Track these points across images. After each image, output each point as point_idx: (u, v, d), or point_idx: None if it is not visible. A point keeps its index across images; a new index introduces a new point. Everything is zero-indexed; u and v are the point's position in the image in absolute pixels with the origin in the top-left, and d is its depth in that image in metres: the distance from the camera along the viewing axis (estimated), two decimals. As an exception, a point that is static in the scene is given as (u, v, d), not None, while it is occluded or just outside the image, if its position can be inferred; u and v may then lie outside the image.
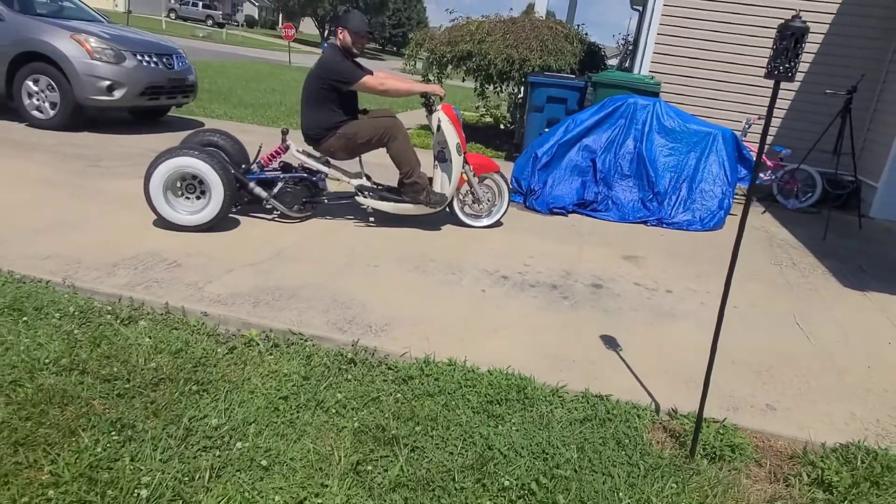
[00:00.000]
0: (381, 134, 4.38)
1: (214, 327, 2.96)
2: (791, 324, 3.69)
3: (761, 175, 6.94)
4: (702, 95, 7.52)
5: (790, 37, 1.90)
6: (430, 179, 4.63)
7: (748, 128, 6.99)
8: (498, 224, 4.95)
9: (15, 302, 2.90)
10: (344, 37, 4.37)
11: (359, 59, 4.58)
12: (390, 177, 4.74)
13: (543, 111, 7.38)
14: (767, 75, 1.98)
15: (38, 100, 6.71)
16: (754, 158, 6.00)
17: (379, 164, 5.22)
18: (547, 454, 2.27)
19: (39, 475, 1.93)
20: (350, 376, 2.65)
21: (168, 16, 47.14)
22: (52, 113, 6.72)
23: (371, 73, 4.38)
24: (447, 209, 4.76)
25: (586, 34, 9.38)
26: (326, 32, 54.47)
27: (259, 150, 4.59)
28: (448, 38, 8.79)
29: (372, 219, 4.76)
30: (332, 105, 4.32)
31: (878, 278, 4.74)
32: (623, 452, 2.33)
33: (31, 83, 6.67)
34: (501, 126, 11.27)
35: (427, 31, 9.45)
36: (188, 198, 4.08)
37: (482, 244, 4.52)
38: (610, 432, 2.44)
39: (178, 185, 4.04)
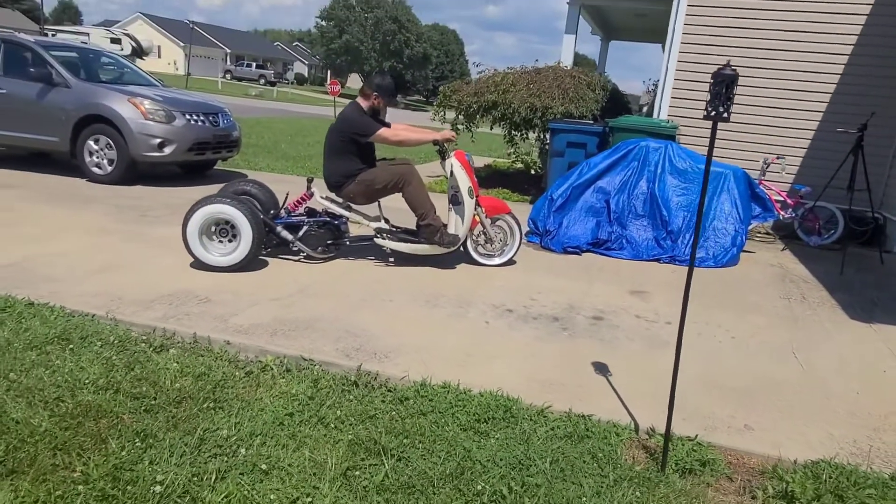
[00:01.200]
0: (396, 180, 4.74)
1: (235, 354, 3.28)
2: (787, 353, 3.79)
3: (782, 213, 7.00)
4: (719, 137, 7.68)
5: (721, 83, 2.15)
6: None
7: (766, 167, 7.10)
8: (510, 262, 5.20)
9: (64, 332, 3.29)
10: (377, 102, 4.79)
11: (392, 108, 5.10)
12: (407, 220, 5.08)
13: (564, 156, 7.67)
14: (706, 117, 2.22)
15: (97, 157, 7.39)
16: (769, 197, 6.13)
17: (397, 209, 5.56)
18: (522, 465, 2.46)
19: (72, 474, 2.24)
20: (352, 397, 2.91)
21: (224, 77, 50.01)
22: (109, 169, 7.38)
23: (388, 125, 4.77)
24: (461, 249, 5.04)
25: (609, 80, 9.70)
26: (372, 87, 56.55)
27: (286, 197, 5.00)
28: (474, 89, 9.24)
29: (391, 259, 5.07)
30: (352, 155, 4.71)
31: (888, 310, 4.76)
32: (596, 465, 2.51)
33: (92, 142, 7.36)
34: (532, 172, 11.59)
35: (454, 84, 9.94)
36: (221, 241, 4.49)
37: (493, 281, 4.77)
38: (587, 447, 2.62)
39: (213, 229, 4.46)
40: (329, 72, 59.82)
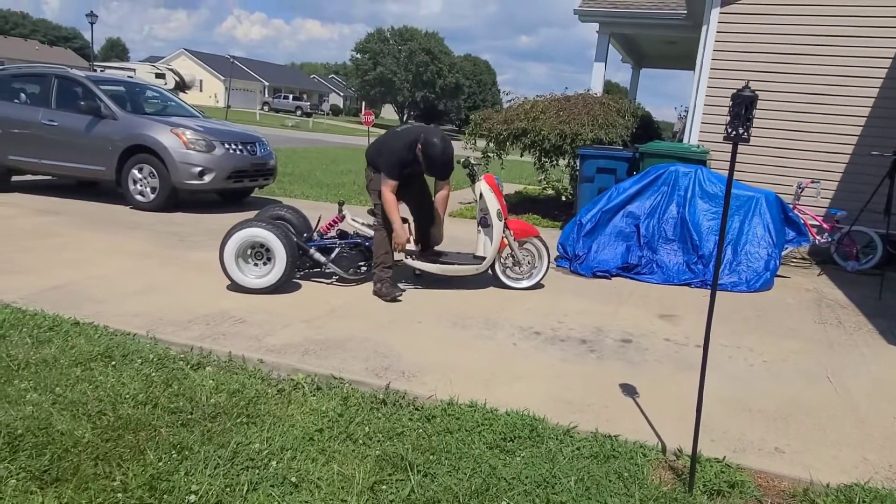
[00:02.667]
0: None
1: (268, 372, 3.38)
2: (821, 378, 3.72)
3: (817, 237, 6.89)
4: (752, 161, 7.62)
5: (740, 104, 2.19)
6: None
7: (801, 191, 7.01)
8: (538, 286, 5.22)
9: (107, 350, 3.44)
10: (420, 157, 4.56)
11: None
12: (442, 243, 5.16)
13: (594, 181, 7.69)
14: (726, 139, 2.25)
15: (141, 185, 7.69)
16: (803, 221, 6.06)
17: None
18: (548, 483, 2.48)
19: (112, 483, 2.34)
20: (380, 414, 2.97)
21: (262, 108, 51.44)
22: (152, 196, 7.67)
23: (395, 182, 4.59)
24: (489, 272, 5.10)
25: (640, 106, 9.74)
26: (405, 116, 57.58)
27: (318, 220, 5.14)
28: (504, 117, 9.37)
29: (420, 280, 5.15)
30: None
31: (931, 336, 4.64)
32: (622, 485, 2.50)
33: (136, 171, 7.67)
34: (563, 198, 11.62)
35: (486, 112, 10.09)
36: (256, 264, 4.63)
37: (520, 303, 4.80)
38: (613, 467, 2.62)
39: (248, 252, 4.61)
40: (363, 103, 61.08)
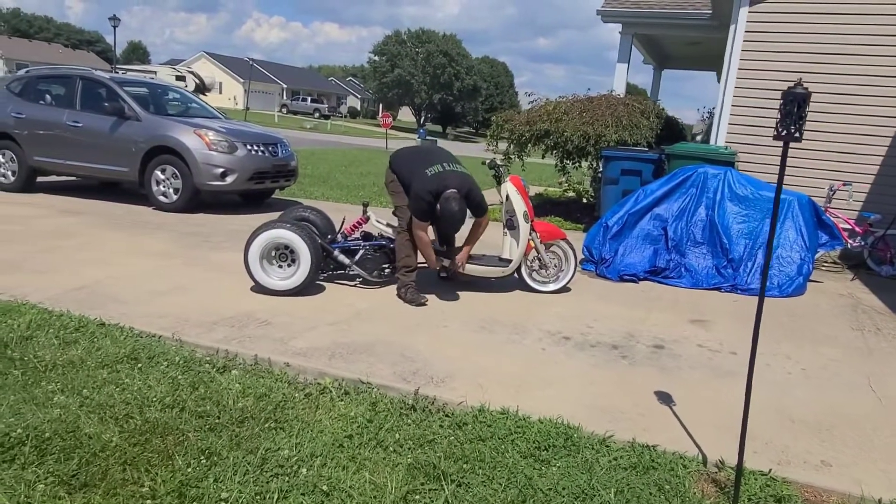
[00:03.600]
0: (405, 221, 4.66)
1: (295, 376, 3.33)
2: (863, 386, 3.59)
3: (850, 241, 6.72)
4: (773, 163, 7.45)
5: (792, 102, 2.09)
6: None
7: (832, 194, 6.85)
8: (565, 289, 5.13)
9: (133, 352, 3.40)
10: (438, 209, 4.44)
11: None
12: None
13: (618, 183, 7.58)
14: (776, 137, 2.16)
15: (164, 186, 7.70)
16: (836, 224, 5.91)
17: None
18: (586, 494, 2.39)
19: (140, 489, 2.29)
20: (410, 421, 2.90)
21: (280, 111, 51.79)
22: (174, 197, 7.68)
23: (423, 223, 4.52)
24: (515, 274, 5.01)
25: (663, 108, 9.60)
26: (422, 119, 57.64)
27: (343, 222, 5.09)
28: (526, 118, 9.28)
29: (445, 282, 5.07)
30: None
31: (974, 344, 4.47)
32: (663, 497, 2.41)
33: (159, 172, 7.69)
34: (584, 200, 11.50)
35: (507, 114, 10.01)
36: (280, 266, 4.59)
37: (548, 307, 4.71)
38: (653, 479, 2.52)
39: (273, 254, 4.57)
40: (380, 105, 61.23)
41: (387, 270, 4.96)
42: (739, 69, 7.58)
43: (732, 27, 7.63)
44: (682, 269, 5.77)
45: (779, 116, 2.14)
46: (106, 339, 3.54)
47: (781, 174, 2.23)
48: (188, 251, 5.71)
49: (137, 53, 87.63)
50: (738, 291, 5.52)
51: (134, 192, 8.31)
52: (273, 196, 9.25)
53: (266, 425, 2.77)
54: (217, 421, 2.78)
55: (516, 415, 2.94)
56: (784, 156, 2.18)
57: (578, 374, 3.50)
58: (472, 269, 4.88)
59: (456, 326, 4.17)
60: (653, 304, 5.05)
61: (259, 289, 4.55)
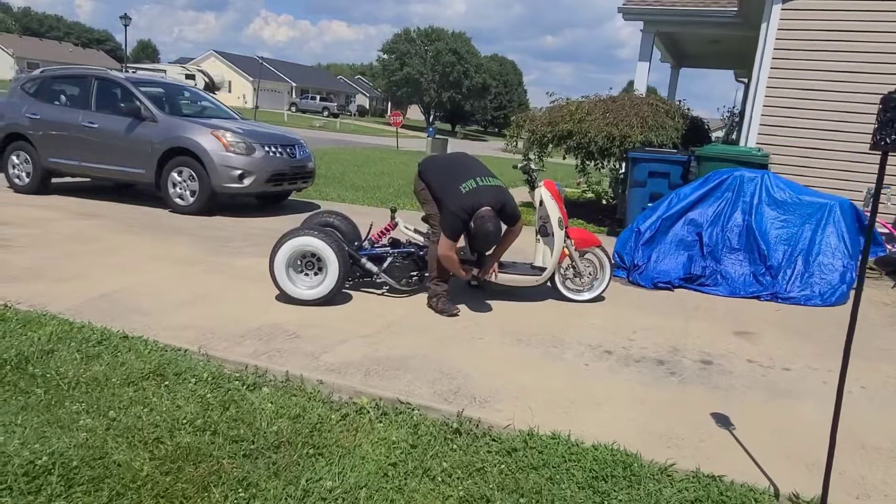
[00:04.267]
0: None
1: (329, 395, 3.15)
2: (930, 407, 3.39)
3: (888, 246, 6.49)
4: (816, 166, 7.25)
5: (893, 108, 1.90)
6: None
7: (870, 197, 6.61)
8: (600, 298, 4.94)
9: (159, 367, 3.24)
10: (472, 227, 4.25)
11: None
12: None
13: (646, 186, 7.37)
14: (874, 147, 1.97)
15: (180, 188, 7.55)
16: (879, 229, 5.68)
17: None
18: (655, 534, 2.21)
19: (177, 525, 2.13)
20: (455, 446, 2.72)
21: (289, 109, 51.71)
22: (191, 200, 7.52)
23: (454, 243, 4.30)
24: (548, 283, 4.82)
25: (688, 109, 9.37)
26: (431, 117, 57.44)
27: (370, 228, 4.92)
28: (548, 118, 9.07)
29: (476, 292, 4.89)
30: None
31: None
32: (739, 537, 2.22)
33: (175, 174, 7.54)
34: (603, 202, 11.29)
35: (528, 113, 9.81)
36: (307, 274, 4.42)
37: (584, 318, 4.52)
38: (724, 515, 2.34)
39: (299, 262, 4.40)
40: (389, 103, 61.07)
41: (415, 278, 4.78)
42: (772, 68, 7.36)
43: (764, 25, 7.41)
44: (718, 277, 5.56)
45: (876, 124, 1.94)
46: (130, 354, 3.39)
47: (878, 185, 2.04)
48: (209, 257, 5.55)
49: (147, 52, 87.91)
50: (779, 300, 5.31)
51: (149, 194, 8.18)
52: (289, 198, 9.09)
53: (304, 451, 2.60)
54: (252, 446, 2.61)
55: (568, 440, 2.76)
56: (882, 166, 1.99)
57: (627, 392, 3.31)
58: (504, 277, 4.70)
59: (491, 339, 3.98)
60: (691, 314, 4.85)
61: (285, 298, 4.38)
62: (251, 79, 53.20)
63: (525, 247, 5.24)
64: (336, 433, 2.78)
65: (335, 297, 4.40)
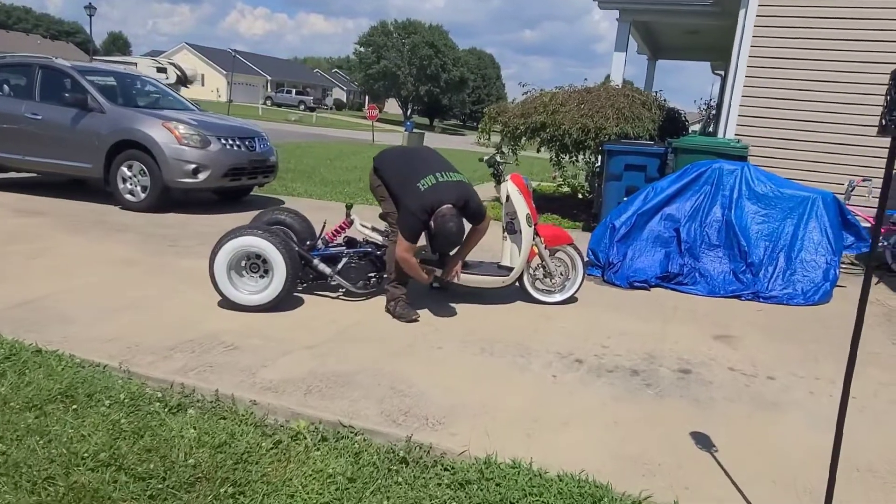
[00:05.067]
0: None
1: (263, 417, 2.79)
2: (926, 419, 3.11)
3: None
4: (796, 157, 7.01)
5: (907, 85, 1.58)
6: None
7: (851, 190, 6.40)
8: (572, 300, 4.62)
9: (69, 388, 2.84)
10: (432, 226, 3.89)
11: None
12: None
13: (622, 179, 7.08)
14: (882, 131, 1.65)
15: (131, 184, 7.09)
16: (861, 223, 5.43)
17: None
18: (627, 588, 1.88)
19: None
20: (400, 478, 2.37)
21: (265, 103, 50.80)
22: (142, 196, 7.07)
23: (412, 245, 3.97)
24: (517, 284, 4.49)
25: (665, 100, 9.10)
26: (409, 111, 56.90)
27: (323, 226, 4.55)
28: (521, 110, 8.74)
29: (439, 294, 4.54)
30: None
31: None
32: (723, 588, 1.90)
33: (125, 169, 7.07)
34: (579, 196, 11.00)
35: (500, 105, 9.47)
36: (252, 277, 4.03)
37: (555, 322, 4.20)
38: (706, 559, 2.02)
39: (243, 264, 4.02)
40: (366, 97, 60.37)
41: (373, 280, 4.42)
42: (750, 57, 7.10)
43: (742, 12, 7.14)
44: (697, 275, 5.28)
45: (885, 105, 1.63)
46: (39, 372, 2.98)
47: (889, 174, 1.72)
48: (153, 257, 5.13)
49: (118, 44, 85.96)
50: (760, 299, 5.04)
51: (101, 190, 7.69)
52: (252, 193, 8.65)
53: (222, 490, 2.23)
54: (161, 485, 2.23)
55: (530, 469, 2.42)
56: (893, 154, 1.67)
57: (598, 409, 2.99)
58: (468, 278, 4.35)
59: (452, 347, 3.64)
60: (669, 315, 4.55)
61: (227, 304, 3.99)
62: (225, 72, 52.17)
63: (492, 245, 4.90)
64: (264, 465, 2.41)
65: (283, 302, 4.02)
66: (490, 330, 3.96)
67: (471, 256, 4.66)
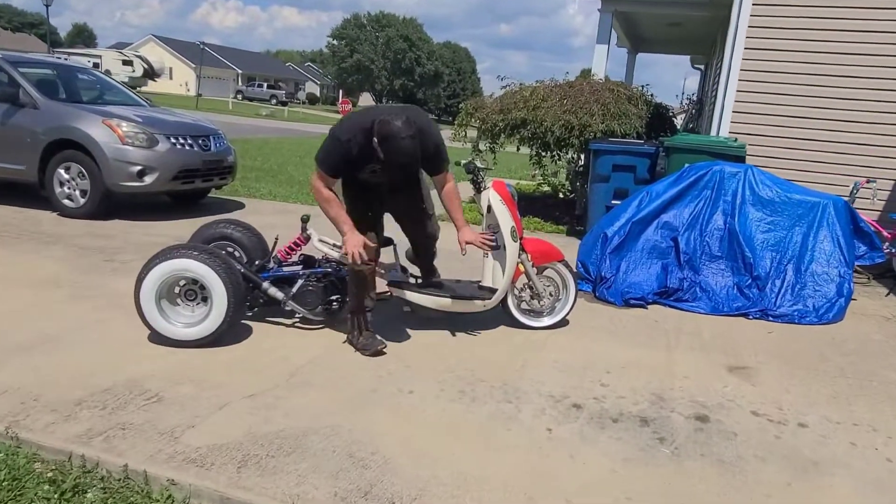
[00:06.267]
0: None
1: (184, 500, 2.17)
2: None
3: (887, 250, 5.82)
4: (796, 157, 6.55)
5: None
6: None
7: (856, 192, 5.94)
8: (563, 323, 4.06)
9: (-69, 467, 2.20)
10: (379, 152, 3.06)
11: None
12: (440, 268, 3.97)
13: (609, 181, 6.55)
14: None
15: (69, 188, 6.37)
16: (872, 229, 4.96)
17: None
18: None
19: None
20: None
21: (235, 97, 49.54)
22: (82, 201, 6.35)
23: (326, 176, 3.23)
24: (500, 306, 3.92)
25: (652, 95, 8.60)
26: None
27: (275, 243, 3.92)
28: (500, 105, 8.17)
29: (410, 320, 3.95)
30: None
31: None
32: None
33: (62, 171, 6.35)
34: (560, 195, 10.48)
35: (478, 100, 8.89)
36: (187, 306, 3.40)
37: (545, 353, 3.64)
38: None
39: (177, 290, 3.38)
40: (340, 91, 59.35)
41: (334, 305, 3.80)
42: (746, 48, 6.61)
43: (738, 1, 6.63)
44: (698, 290, 4.76)
45: None
46: None
47: None
48: (83, 276, 4.46)
49: (83, 36, 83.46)
50: (770, 318, 4.54)
51: (35, 194, 6.93)
52: (210, 195, 7.95)
53: None
54: None
55: (527, 579, 1.85)
56: None
57: (607, 479, 2.42)
58: (444, 301, 3.77)
59: (425, 391, 3.05)
60: (673, 340, 4.02)
61: (159, 338, 3.35)
62: (193, 66, 50.74)
63: (471, 261, 4.32)
64: (174, 583, 1.80)
65: (225, 335, 3.39)
66: (470, 365, 3.38)
67: (447, 275, 4.08)
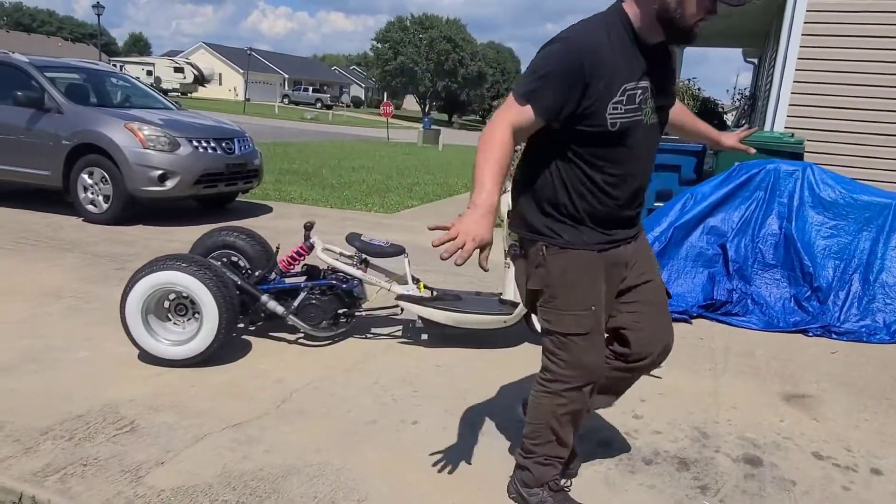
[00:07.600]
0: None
1: (136, 557, 1.88)
2: None
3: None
4: (862, 154, 5.93)
5: None
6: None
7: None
8: (595, 342, 3.64)
9: None
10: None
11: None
12: (449, 281, 3.61)
13: (651, 181, 6.05)
14: None
15: (92, 193, 6.28)
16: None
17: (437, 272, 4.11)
18: None
19: None
20: None
21: (282, 101, 50.32)
22: (105, 206, 6.25)
23: (528, 112, 1.77)
24: (523, 322, 3.54)
25: (699, 89, 8.06)
26: (427, 107, 55.96)
27: (276, 252, 3.64)
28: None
29: (424, 337, 3.60)
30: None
31: None
32: None
33: (86, 176, 6.26)
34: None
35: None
36: (178, 322, 3.14)
37: (572, 377, 3.23)
38: None
39: (166, 305, 3.12)
40: (385, 94, 59.57)
41: (341, 320, 3.49)
42: (804, 35, 6.02)
43: (794, -17, 6.06)
44: (749, 302, 4.27)
45: None
46: None
47: None
48: (87, 286, 4.28)
49: (139, 46, 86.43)
50: (833, 335, 4.02)
51: (61, 199, 6.88)
52: (238, 199, 7.79)
53: None
54: None
55: None
56: None
57: (633, 538, 2.02)
58: (461, 317, 3.40)
59: (431, 423, 2.70)
60: (720, 362, 3.55)
61: (148, 357, 3.10)
62: (241, 71, 51.74)
63: (491, 273, 3.94)
64: None
65: (219, 353, 3.12)
66: (485, 392, 3.01)
67: (464, 287, 3.72)
